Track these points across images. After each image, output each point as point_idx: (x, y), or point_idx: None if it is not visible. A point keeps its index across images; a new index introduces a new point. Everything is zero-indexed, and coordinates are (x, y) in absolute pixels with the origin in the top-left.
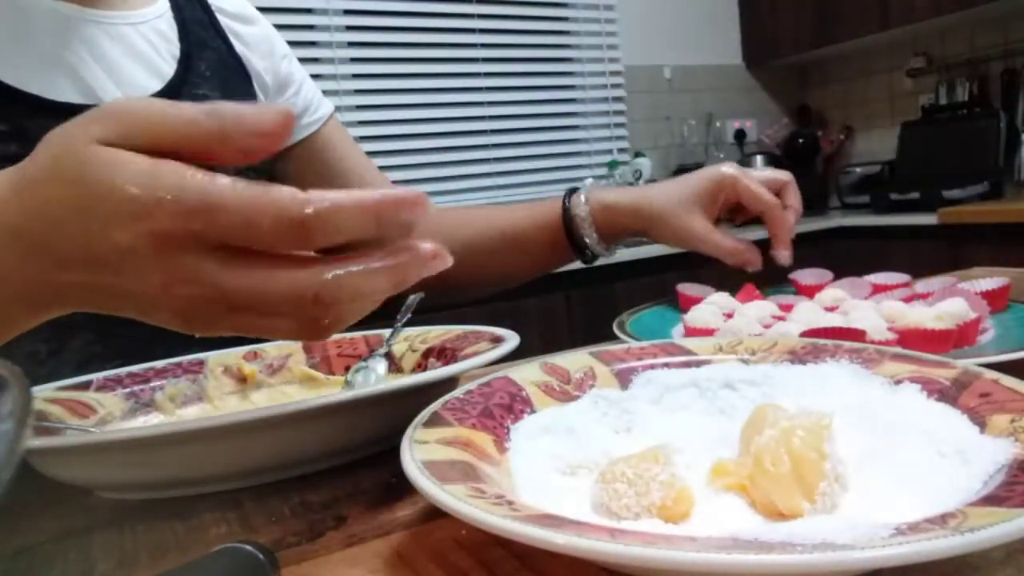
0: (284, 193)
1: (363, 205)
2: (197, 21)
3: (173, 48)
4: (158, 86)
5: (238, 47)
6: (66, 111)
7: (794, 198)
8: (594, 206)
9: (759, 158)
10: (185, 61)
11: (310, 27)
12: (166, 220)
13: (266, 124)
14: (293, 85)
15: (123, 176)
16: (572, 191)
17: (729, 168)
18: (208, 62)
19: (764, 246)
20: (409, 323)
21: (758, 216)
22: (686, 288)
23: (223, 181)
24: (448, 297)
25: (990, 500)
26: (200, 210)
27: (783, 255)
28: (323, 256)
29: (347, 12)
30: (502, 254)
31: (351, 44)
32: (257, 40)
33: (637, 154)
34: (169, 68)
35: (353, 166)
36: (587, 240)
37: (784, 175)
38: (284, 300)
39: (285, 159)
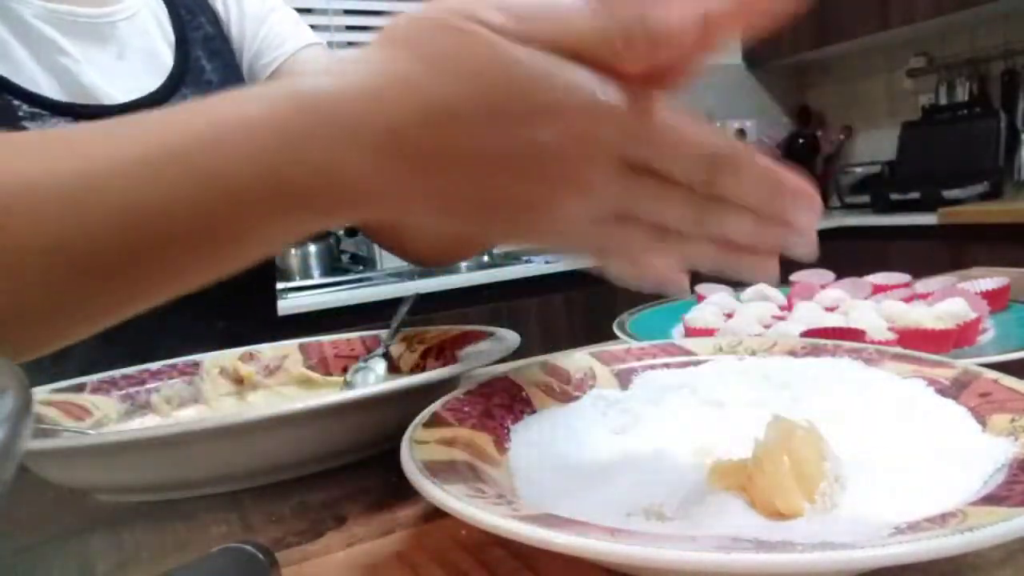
0: (704, 132)
1: (768, 173)
2: None
3: (168, 34)
4: (158, 82)
5: (220, 15)
6: (62, 108)
7: None
8: None
9: None
10: (182, 45)
11: (310, 27)
12: (583, 127)
13: (672, 26)
14: (263, 27)
15: (537, 76)
16: None
17: None
18: (201, 39)
19: None
20: (406, 323)
21: None
22: (704, 289)
23: (644, 115)
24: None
25: (990, 499)
26: (621, 129)
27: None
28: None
29: (347, 12)
30: None
31: (351, 44)
32: (234, 4)
33: None
34: (168, 56)
35: None
36: None
37: None
38: (683, 160)
39: None
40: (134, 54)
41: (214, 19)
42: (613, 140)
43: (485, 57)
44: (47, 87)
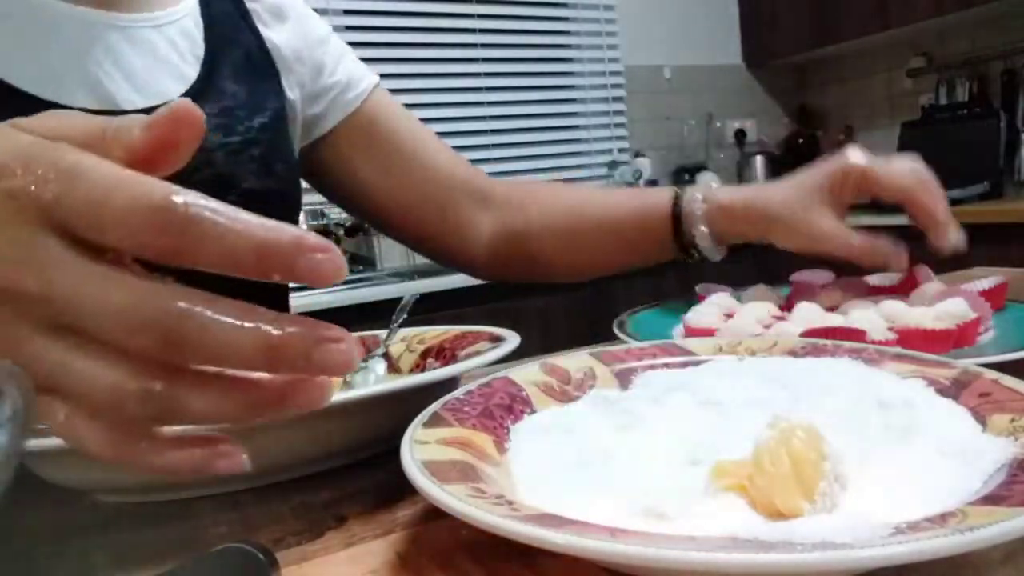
0: (157, 181)
1: (249, 230)
2: (226, 16)
3: (197, 49)
4: (181, 90)
5: (270, 39)
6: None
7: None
8: (711, 206)
9: (759, 158)
10: (209, 62)
11: None
12: (20, 179)
13: (151, 118)
14: (327, 67)
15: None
16: (682, 185)
17: (855, 157)
18: (234, 60)
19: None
20: (405, 323)
21: (899, 205)
22: (704, 289)
23: (92, 157)
24: (534, 279)
25: (990, 499)
26: (57, 173)
27: (954, 237)
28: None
29: (347, 12)
30: (596, 244)
31: (351, 44)
32: (290, 29)
33: (637, 154)
34: (192, 71)
35: (405, 140)
36: (699, 242)
37: (919, 169)
38: (119, 318)
39: (332, 143)
40: (160, 63)
41: (258, 45)
42: (39, 196)
43: None
44: (72, 89)
